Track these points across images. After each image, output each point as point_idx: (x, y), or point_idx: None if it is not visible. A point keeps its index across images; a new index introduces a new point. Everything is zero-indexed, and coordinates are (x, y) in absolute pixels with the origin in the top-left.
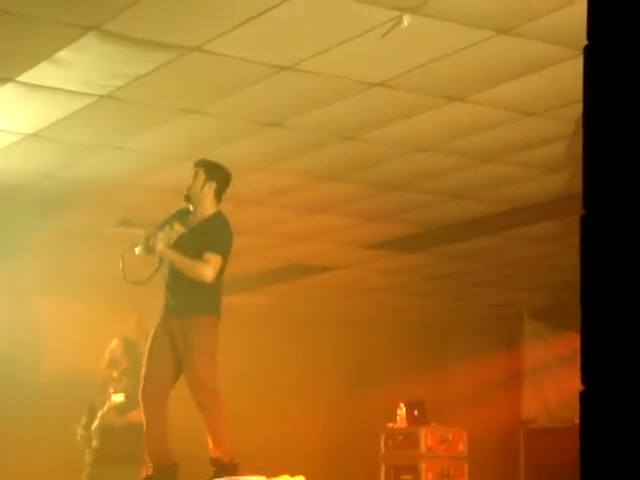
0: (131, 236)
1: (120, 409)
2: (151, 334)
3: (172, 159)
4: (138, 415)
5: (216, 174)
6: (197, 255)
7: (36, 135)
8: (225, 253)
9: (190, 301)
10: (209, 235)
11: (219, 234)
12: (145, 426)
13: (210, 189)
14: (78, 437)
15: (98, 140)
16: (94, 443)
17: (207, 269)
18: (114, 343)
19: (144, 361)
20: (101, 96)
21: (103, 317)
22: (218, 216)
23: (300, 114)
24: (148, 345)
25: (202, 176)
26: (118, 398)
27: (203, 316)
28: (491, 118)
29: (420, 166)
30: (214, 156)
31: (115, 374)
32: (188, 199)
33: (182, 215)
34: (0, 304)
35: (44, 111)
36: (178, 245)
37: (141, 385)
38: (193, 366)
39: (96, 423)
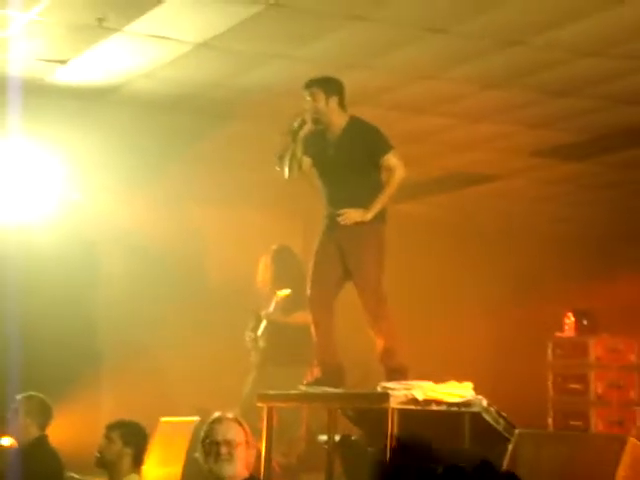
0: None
1: (286, 307)
2: (316, 242)
3: (340, 67)
4: (304, 316)
5: (333, 87)
6: (367, 166)
7: (205, 45)
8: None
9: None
10: (364, 141)
11: (372, 134)
12: (313, 330)
13: (334, 103)
14: (247, 339)
15: (267, 49)
16: (261, 344)
17: (398, 171)
18: (266, 259)
19: (310, 267)
20: (269, 4)
21: (269, 225)
22: (355, 121)
23: (464, 20)
24: (314, 252)
25: (321, 95)
26: (284, 292)
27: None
28: None
29: (586, 71)
30: (379, 63)
31: (276, 285)
32: (317, 121)
33: (308, 141)
34: (168, 211)
35: (213, 21)
36: (332, 169)
37: (308, 291)
38: (361, 272)
39: (263, 325)
